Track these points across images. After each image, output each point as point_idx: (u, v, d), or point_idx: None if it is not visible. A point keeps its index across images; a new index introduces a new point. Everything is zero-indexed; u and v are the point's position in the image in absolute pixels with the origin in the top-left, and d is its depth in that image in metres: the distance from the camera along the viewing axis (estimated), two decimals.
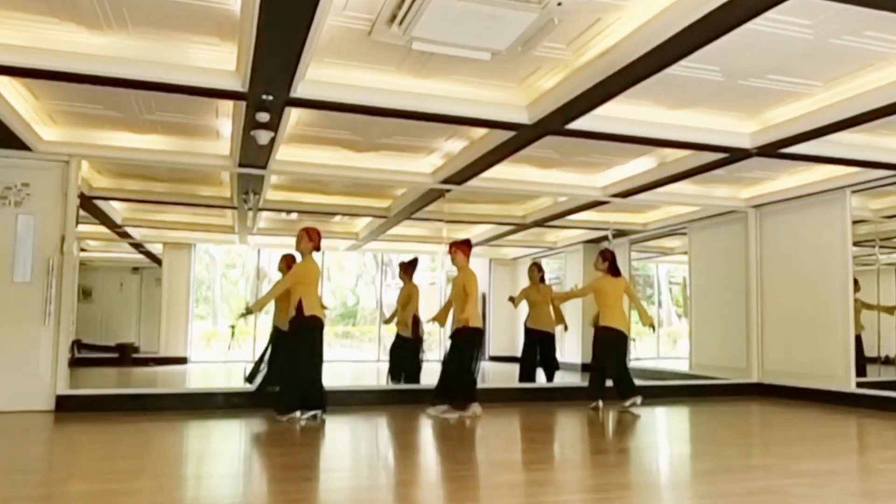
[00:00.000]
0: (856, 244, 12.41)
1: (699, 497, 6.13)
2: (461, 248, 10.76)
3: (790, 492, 6.13)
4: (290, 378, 9.75)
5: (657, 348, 19.67)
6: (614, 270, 11.57)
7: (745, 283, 14.37)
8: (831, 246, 12.55)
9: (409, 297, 13.56)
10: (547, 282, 14.67)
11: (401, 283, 14.22)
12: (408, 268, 13.99)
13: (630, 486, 6.59)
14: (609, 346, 11.32)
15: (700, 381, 14.49)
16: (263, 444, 8.33)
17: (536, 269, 14.60)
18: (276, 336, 11.16)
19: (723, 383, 14.17)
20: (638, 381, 11.30)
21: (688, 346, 16.06)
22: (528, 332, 14.34)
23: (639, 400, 10.94)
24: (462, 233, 16.90)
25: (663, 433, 9.97)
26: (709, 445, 9.10)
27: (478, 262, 18.97)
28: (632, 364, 17.05)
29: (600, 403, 11.16)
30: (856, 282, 12.41)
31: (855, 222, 12.42)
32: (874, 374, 12.54)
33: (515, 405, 11.96)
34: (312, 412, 9.58)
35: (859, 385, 12.06)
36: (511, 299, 14.80)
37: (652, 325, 12.79)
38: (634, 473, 7.24)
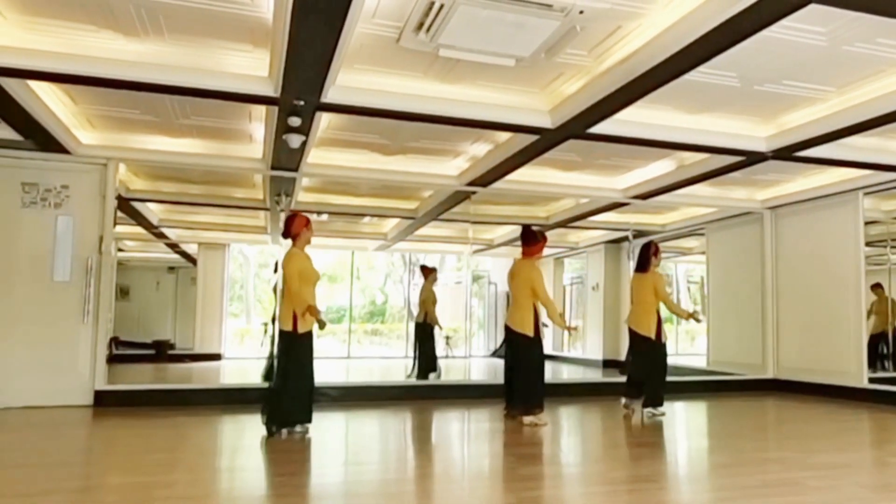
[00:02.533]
0: (868, 244, 12.41)
1: (717, 489, 6.12)
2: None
3: (805, 484, 6.11)
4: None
5: (676, 345, 19.65)
6: (637, 265, 10.82)
7: (761, 282, 14.35)
8: (844, 246, 12.55)
9: None
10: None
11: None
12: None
13: (651, 478, 6.58)
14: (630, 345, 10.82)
15: (717, 376, 14.48)
16: (295, 439, 8.34)
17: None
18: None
19: (739, 379, 14.14)
20: None
21: (705, 343, 16.03)
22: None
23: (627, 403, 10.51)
24: (487, 233, 16.99)
25: (682, 427, 9.94)
26: (726, 439, 9.07)
27: (503, 262, 19.00)
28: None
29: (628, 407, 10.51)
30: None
31: (867, 223, 12.43)
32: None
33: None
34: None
35: (871, 381, 12.08)
36: None
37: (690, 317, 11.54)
38: (655, 466, 7.22)
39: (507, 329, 9.65)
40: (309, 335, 8.50)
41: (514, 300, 9.69)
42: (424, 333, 14.53)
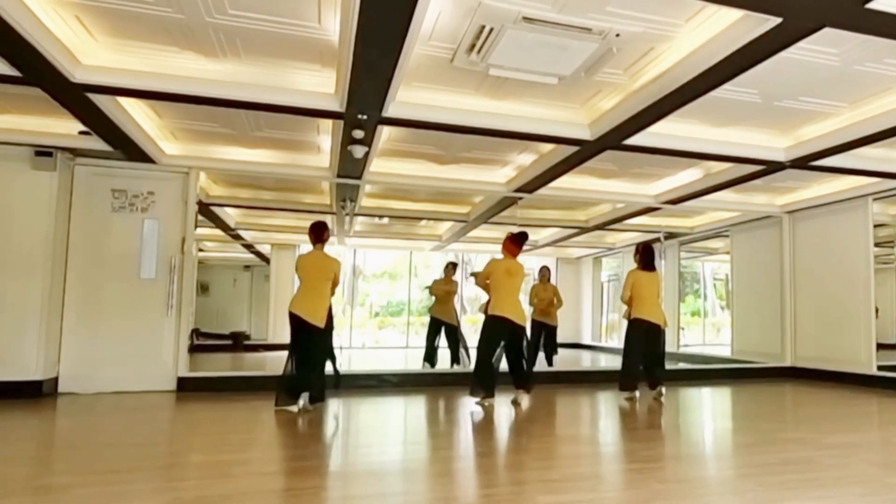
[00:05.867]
0: (877, 245, 12.35)
1: (740, 466, 6.09)
2: (504, 242, 10.02)
3: (820, 462, 6.08)
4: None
5: (703, 336, 19.60)
6: (647, 264, 10.70)
7: (780, 279, 14.27)
8: (855, 247, 12.52)
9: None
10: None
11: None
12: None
13: (679, 456, 6.56)
14: (640, 336, 10.51)
15: (740, 364, 14.40)
16: (355, 418, 8.39)
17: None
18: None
19: (760, 367, 14.05)
20: (686, 365, 11.18)
21: (730, 334, 15.92)
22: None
23: (637, 394, 10.33)
24: (532, 235, 16.98)
25: (708, 411, 9.88)
26: (748, 421, 9.01)
27: (545, 260, 18.99)
28: (681, 350, 17.13)
29: (636, 394, 10.36)
30: None
31: (876, 226, 12.38)
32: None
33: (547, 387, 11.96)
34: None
35: (879, 368, 12.06)
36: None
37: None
38: (683, 446, 7.19)
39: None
40: None
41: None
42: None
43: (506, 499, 4.82)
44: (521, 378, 9.69)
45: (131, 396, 9.90)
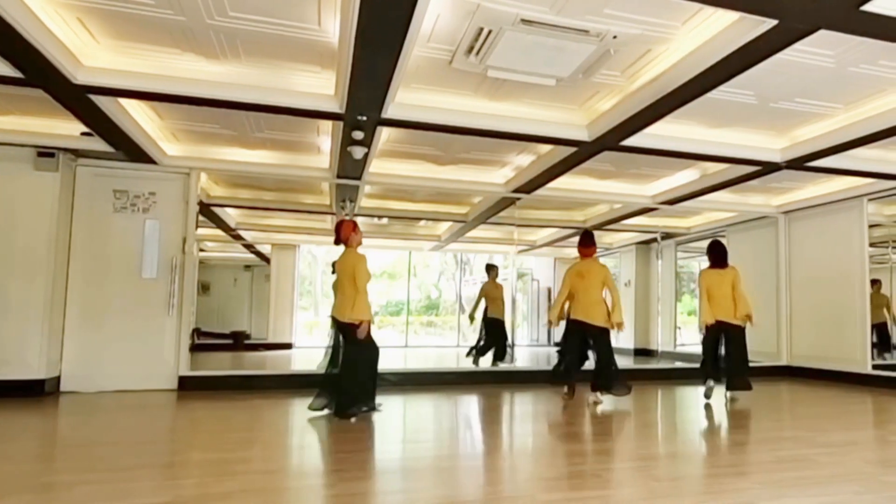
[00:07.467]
0: (872, 245, 12.38)
1: (736, 464, 6.09)
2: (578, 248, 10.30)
3: (815, 460, 6.08)
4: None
5: (700, 335, 19.56)
6: (715, 261, 10.42)
7: (776, 279, 14.31)
8: (850, 247, 12.58)
9: None
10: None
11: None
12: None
13: (677, 454, 6.55)
14: (711, 337, 10.44)
15: None
16: (356, 418, 8.39)
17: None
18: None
19: (756, 366, 13.96)
20: (683, 365, 11.16)
21: None
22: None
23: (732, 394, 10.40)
24: (530, 235, 16.98)
25: (705, 409, 9.87)
26: (744, 420, 8.99)
27: (544, 261, 19.01)
28: (678, 349, 17.12)
29: (710, 384, 10.32)
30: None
31: (871, 226, 12.44)
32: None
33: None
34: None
35: (874, 367, 12.13)
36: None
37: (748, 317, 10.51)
38: (681, 443, 7.20)
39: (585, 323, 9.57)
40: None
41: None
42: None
43: (504, 497, 4.83)
44: (596, 379, 9.73)
45: (133, 395, 9.90)
